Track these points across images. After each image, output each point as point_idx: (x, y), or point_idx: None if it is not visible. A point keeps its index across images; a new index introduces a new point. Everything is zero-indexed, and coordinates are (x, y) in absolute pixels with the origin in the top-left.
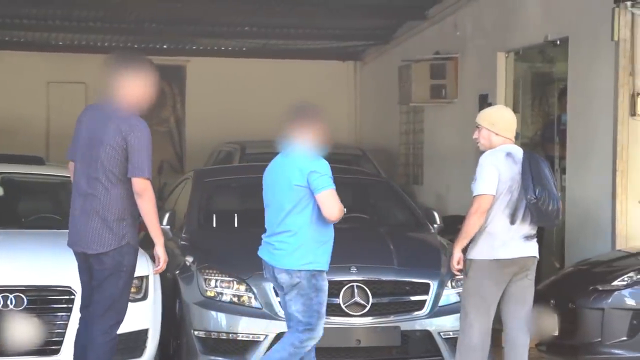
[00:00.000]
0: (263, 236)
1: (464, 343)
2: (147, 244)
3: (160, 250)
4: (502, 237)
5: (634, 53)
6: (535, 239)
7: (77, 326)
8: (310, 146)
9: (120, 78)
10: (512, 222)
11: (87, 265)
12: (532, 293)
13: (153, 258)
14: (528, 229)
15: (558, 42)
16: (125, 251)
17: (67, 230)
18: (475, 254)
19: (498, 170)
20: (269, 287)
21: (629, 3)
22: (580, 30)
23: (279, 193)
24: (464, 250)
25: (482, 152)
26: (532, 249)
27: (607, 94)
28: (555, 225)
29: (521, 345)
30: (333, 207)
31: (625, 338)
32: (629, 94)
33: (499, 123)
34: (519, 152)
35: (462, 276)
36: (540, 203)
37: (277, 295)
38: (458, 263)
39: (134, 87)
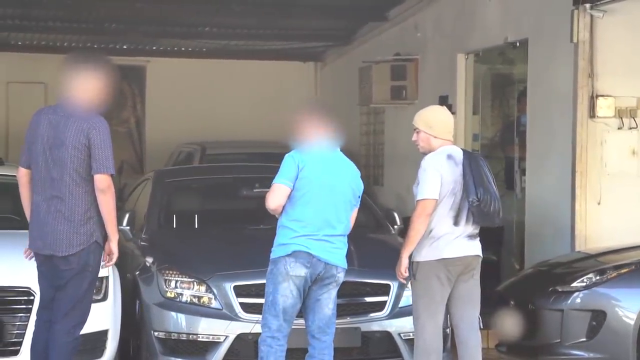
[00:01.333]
0: (311, 234)
1: (419, 345)
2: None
3: (114, 246)
4: (447, 238)
5: (593, 55)
6: (478, 239)
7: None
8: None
9: (78, 78)
10: (456, 223)
11: (49, 266)
12: (479, 293)
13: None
14: (471, 229)
15: (517, 44)
16: (93, 249)
17: (26, 231)
18: (422, 256)
19: (440, 173)
20: (229, 287)
21: (587, 5)
22: (539, 32)
23: (339, 194)
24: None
25: (423, 155)
26: (475, 248)
27: (567, 95)
28: (496, 224)
29: (474, 345)
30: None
31: (584, 339)
32: (588, 96)
33: (437, 126)
34: (459, 153)
35: (405, 282)
36: (482, 205)
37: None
38: (405, 270)
39: (93, 87)
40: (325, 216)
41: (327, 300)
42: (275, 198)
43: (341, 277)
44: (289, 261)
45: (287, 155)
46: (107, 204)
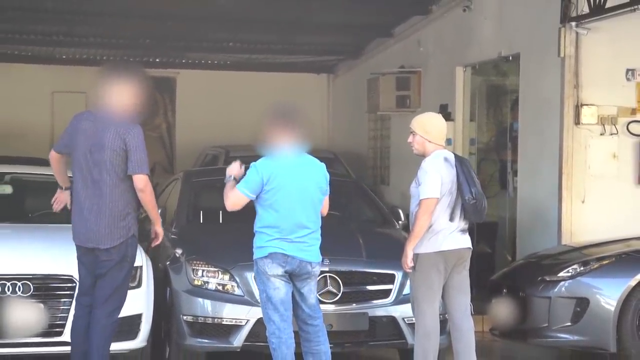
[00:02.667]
0: (285, 237)
1: (420, 329)
2: (141, 238)
3: (159, 228)
4: (444, 232)
5: (578, 68)
6: (468, 233)
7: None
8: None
9: (114, 87)
10: (452, 219)
11: (90, 257)
12: (468, 282)
13: (147, 250)
14: (463, 224)
15: (510, 58)
16: (130, 242)
17: (69, 225)
18: (422, 249)
19: (440, 174)
20: (250, 276)
21: (573, 23)
22: (530, 47)
23: (307, 196)
24: None
25: (417, 156)
26: (467, 241)
27: (554, 104)
28: (482, 220)
29: (467, 329)
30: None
31: (569, 323)
32: (574, 105)
33: (433, 131)
34: (451, 156)
35: (410, 272)
36: (477, 203)
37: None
38: (411, 262)
39: (127, 95)
40: (296, 219)
41: (309, 292)
42: (232, 203)
43: (317, 270)
44: (266, 262)
45: (252, 164)
46: (147, 199)
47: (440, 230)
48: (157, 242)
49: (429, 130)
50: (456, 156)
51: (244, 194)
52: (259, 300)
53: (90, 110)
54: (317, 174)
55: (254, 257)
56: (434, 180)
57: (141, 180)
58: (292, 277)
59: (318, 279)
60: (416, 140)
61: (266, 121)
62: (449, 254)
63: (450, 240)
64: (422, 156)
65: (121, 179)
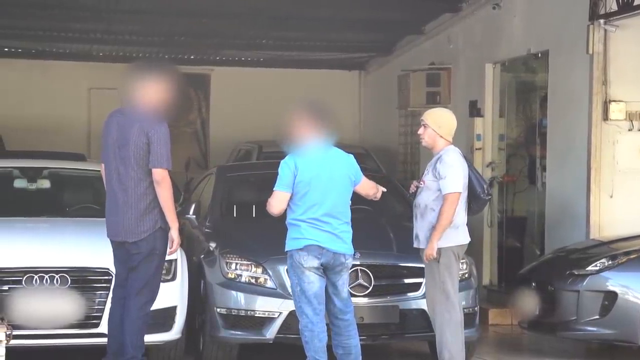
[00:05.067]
0: (318, 227)
1: (452, 321)
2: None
3: (175, 233)
4: (463, 226)
5: (607, 65)
6: None
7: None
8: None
9: (141, 84)
10: (467, 213)
11: (123, 251)
12: None
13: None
14: (466, 217)
15: (539, 55)
16: (158, 235)
17: (105, 219)
18: (446, 242)
19: (462, 169)
20: (282, 269)
21: (602, 21)
22: (559, 44)
23: (336, 187)
24: None
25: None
26: (468, 234)
27: (583, 101)
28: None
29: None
30: None
31: (597, 317)
32: (602, 101)
33: (445, 127)
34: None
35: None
36: (489, 198)
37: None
38: (436, 253)
39: (154, 92)
40: (327, 210)
41: (342, 285)
42: (276, 204)
43: (350, 262)
44: (302, 254)
45: (282, 162)
46: (162, 194)
47: (460, 224)
48: (174, 250)
49: (441, 125)
50: (462, 153)
51: (282, 191)
52: (292, 293)
53: (121, 108)
54: (345, 165)
55: (288, 248)
56: (459, 175)
57: (159, 174)
58: (326, 270)
59: (349, 272)
60: (427, 133)
61: (292, 118)
62: (464, 247)
63: (465, 234)
64: (431, 149)
65: (146, 173)
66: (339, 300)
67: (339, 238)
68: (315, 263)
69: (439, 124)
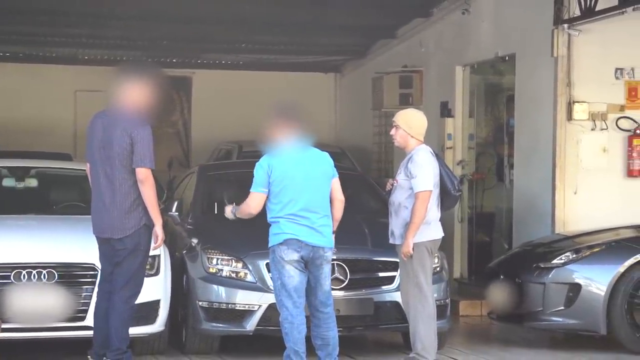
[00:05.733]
0: (296, 222)
1: (425, 313)
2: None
3: (159, 230)
4: (435, 222)
5: (570, 67)
6: None
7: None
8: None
9: (125, 86)
10: (438, 209)
11: (108, 247)
12: None
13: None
14: (439, 213)
15: (506, 58)
16: (143, 232)
17: (90, 216)
18: (418, 238)
19: (432, 167)
20: (262, 264)
21: (565, 25)
22: (525, 47)
23: (312, 183)
24: None
25: (398, 149)
26: (442, 229)
27: (548, 101)
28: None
29: None
30: None
31: (562, 308)
32: (566, 102)
33: (415, 127)
34: (431, 150)
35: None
36: (460, 194)
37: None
38: (412, 249)
39: (137, 94)
40: (304, 205)
41: (324, 279)
42: (253, 205)
43: (330, 255)
44: (282, 248)
45: (256, 163)
46: (146, 192)
47: (432, 220)
48: (158, 245)
49: (412, 125)
50: (433, 151)
51: (257, 192)
52: (273, 287)
53: (105, 109)
54: (321, 161)
55: (270, 244)
56: (429, 173)
57: (142, 173)
58: (307, 264)
59: None
60: (399, 133)
61: (268, 118)
62: (437, 242)
63: (438, 229)
64: (403, 149)
65: (130, 172)
66: (321, 293)
67: (318, 232)
68: (295, 256)
69: (409, 124)
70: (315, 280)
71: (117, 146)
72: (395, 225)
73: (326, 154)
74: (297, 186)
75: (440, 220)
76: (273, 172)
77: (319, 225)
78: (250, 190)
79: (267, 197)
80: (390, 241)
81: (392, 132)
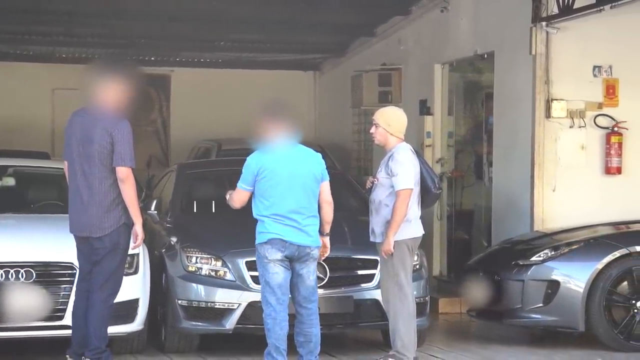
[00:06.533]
0: (281, 222)
1: (405, 311)
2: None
3: (139, 229)
4: (416, 220)
5: (549, 65)
6: None
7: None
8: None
9: (102, 84)
10: (419, 207)
11: (87, 245)
12: None
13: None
14: (420, 211)
15: (485, 56)
16: (122, 231)
17: (69, 215)
18: (399, 236)
19: (413, 166)
20: (241, 262)
21: (544, 23)
22: (503, 45)
23: (300, 183)
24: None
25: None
26: (422, 227)
27: (526, 99)
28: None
29: None
30: None
31: (541, 305)
32: (545, 100)
33: (395, 125)
34: (411, 148)
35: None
36: (440, 192)
37: (250, 270)
38: (393, 247)
39: (115, 91)
40: (289, 205)
41: (308, 274)
42: (237, 199)
43: (316, 252)
44: (266, 247)
45: (247, 158)
46: (127, 191)
47: (413, 218)
48: (137, 244)
49: (391, 123)
50: (414, 148)
51: (242, 189)
52: (254, 285)
53: (84, 107)
54: (310, 162)
55: (256, 242)
56: (410, 172)
57: (123, 172)
58: (292, 260)
59: None
60: (379, 132)
61: (258, 116)
62: (417, 240)
63: (418, 227)
64: (383, 147)
65: (110, 171)
66: (304, 289)
67: (303, 232)
68: (279, 255)
69: (388, 122)
70: (298, 276)
71: (97, 145)
72: (376, 223)
73: (318, 155)
74: (284, 186)
75: (421, 218)
76: (261, 170)
77: (304, 225)
78: (237, 184)
79: (254, 194)
80: (371, 239)
81: (372, 130)
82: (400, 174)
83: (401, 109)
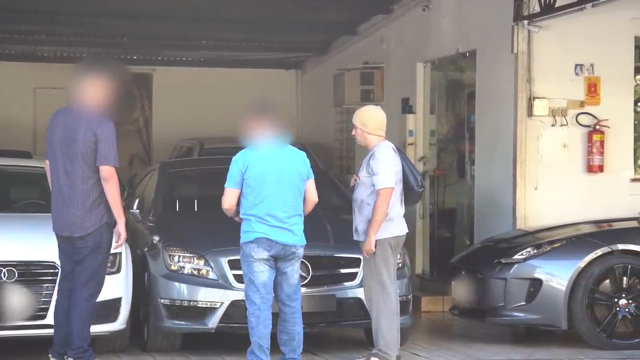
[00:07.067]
0: (267, 222)
1: (387, 310)
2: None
3: (122, 228)
4: (397, 219)
5: (530, 63)
6: None
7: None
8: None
9: (86, 83)
10: (402, 205)
11: (69, 245)
12: None
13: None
14: (404, 209)
15: (467, 54)
16: (104, 230)
17: (50, 214)
18: (381, 235)
19: (394, 164)
20: (224, 261)
21: (525, 22)
22: (485, 44)
23: (286, 182)
24: None
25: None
26: (406, 226)
27: (508, 98)
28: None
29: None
30: None
31: (524, 303)
32: (527, 98)
33: (370, 124)
34: (394, 146)
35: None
36: (423, 190)
37: (233, 268)
38: (374, 247)
39: (99, 91)
40: (278, 205)
41: (292, 272)
42: (227, 200)
43: (301, 252)
44: (252, 247)
45: (232, 159)
46: (110, 190)
47: (395, 217)
48: (120, 244)
49: (366, 122)
50: (396, 145)
51: (230, 188)
52: (236, 284)
53: (66, 106)
54: (295, 161)
55: (241, 241)
56: (390, 170)
57: (106, 171)
58: (277, 259)
59: None
60: (358, 133)
61: (244, 115)
62: (400, 239)
63: (401, 226)
64: (365, 147)
65: (93, 170)
66: (288, 287)
67: (289, 231)
68: (265, 255)
69: (364, 122)
70: (282, 275)
71: (80, 144)
72: (359, 221)
73: (303, 153)
74: (270, 185)
75: (404, 216)
76: (248, 169)
77: (290, 224)
78: (225, 186)
79: (241, 192)
80: (355, 238)
81: (353, 132)
82: (381, 172)
83: (378, 106)
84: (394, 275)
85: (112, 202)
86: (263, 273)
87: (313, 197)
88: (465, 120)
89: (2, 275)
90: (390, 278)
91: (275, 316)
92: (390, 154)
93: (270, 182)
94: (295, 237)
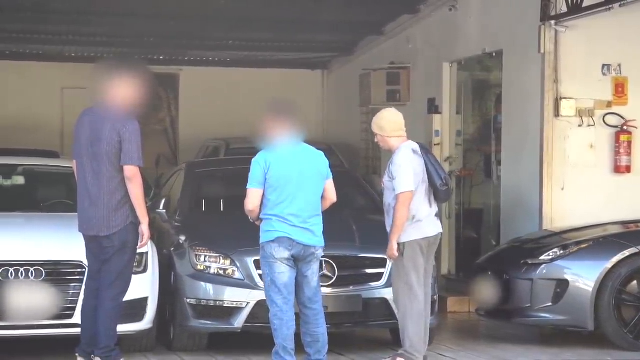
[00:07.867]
0: (289, 221)
1: (414, 311)
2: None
3: (145, 228)
4: (428, 219)
5: (557, 63)
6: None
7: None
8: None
9: (111, 83)
10: (430, 205)
11: (95, 244)
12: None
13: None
14: (436, 208)
15: (494, 54)
16: (130, 229)
17: (78, 213)
18: (409, 236)
19: (412, 167)
20: (250, 261)
21: (552, 22)
22: (512, 44)
23: (306, 182)
24: None
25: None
26: (440, 225)
27: (535, 98)
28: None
29: (429, 302)
30: None
31: (550, 304)
32: (554, 98)
33: (385, 127)
34: (416, 146)
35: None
36: (448, 187)
37: (258, 268)
38: (397, 251)
39: (123, 90)
40: (298, 205)
41: (312, 275)
42: (251, 201)
43: (320, 253)
44: (273, 246)
45: (253, 160)
46: (133, 190)
47: (424, 218)
48: (144, 244)
49: (383, 127)
50: (420, 145)
51: (253, 188)
52: (264, 283)
53: (92, 106)
54: (316, 161)
55: (261, 241)
56: (408, 174)
57: (130, 171)
58: (297, 260)
59: None
60: (379, 139)
61: (264, 116)
62: (432, 239)
63: (432, 226)
64: (390, 151)
65: (118, 170)
66: (309, 289)
67: (310, 231)
68: (286, 254)
69: (379, 126)
70: (302, 277)
71: (105, 143)
72: (389, 224)
73: (321, 153)
74: (291, 185)
75: (437, 215)
76: (270, 169)
77: (310, 224)
78: (247, 187)
79: (262, 193)
80: None
81: (375, 140)
82: (399, 177)
83: (393, 108)
84: (422, 277)
85: (136, 201)
86: (284, 274)
87: (332, 196)
88: (491, 121)
89: (30, 274)
90: (418, 280)
91: (298, 317)
92: (409, 156)
93: (293, 181)
94: (315, 238)
